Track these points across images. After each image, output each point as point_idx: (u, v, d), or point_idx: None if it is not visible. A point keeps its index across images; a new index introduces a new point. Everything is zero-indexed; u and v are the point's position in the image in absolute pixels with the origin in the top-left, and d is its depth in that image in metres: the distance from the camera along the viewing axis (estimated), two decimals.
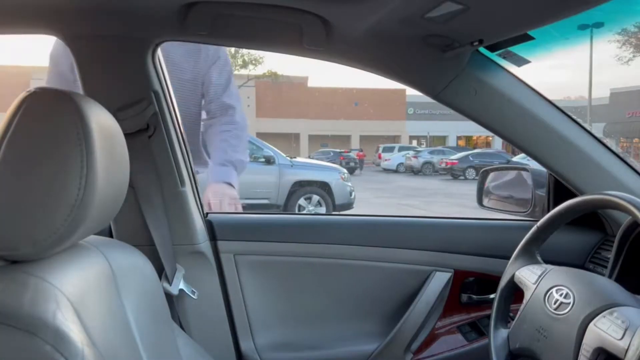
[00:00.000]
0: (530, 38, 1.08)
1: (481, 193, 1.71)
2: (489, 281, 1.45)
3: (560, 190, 1.40)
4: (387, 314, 1.47)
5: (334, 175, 8.44)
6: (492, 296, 1.40)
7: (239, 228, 1.47)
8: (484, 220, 1.60)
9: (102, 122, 0.74)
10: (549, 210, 1.22)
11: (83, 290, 0.73)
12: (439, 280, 1.44)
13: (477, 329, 1.48)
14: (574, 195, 1.11)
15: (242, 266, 1.41)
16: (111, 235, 1.35)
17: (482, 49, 1.21)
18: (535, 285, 1.02)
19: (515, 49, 1.15)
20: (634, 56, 24.45)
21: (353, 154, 25.13)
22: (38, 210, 0.68)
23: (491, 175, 1.76)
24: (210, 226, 1.42)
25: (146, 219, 1.28)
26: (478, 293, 1.49)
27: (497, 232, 1.54)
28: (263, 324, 1.40)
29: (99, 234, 0.90)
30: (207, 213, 1.48)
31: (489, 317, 1.18)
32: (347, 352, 1.43)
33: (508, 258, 1.12)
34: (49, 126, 0.69)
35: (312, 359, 1.39)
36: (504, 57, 1.21)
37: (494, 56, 1.22)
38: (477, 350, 1.40)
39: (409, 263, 1.46)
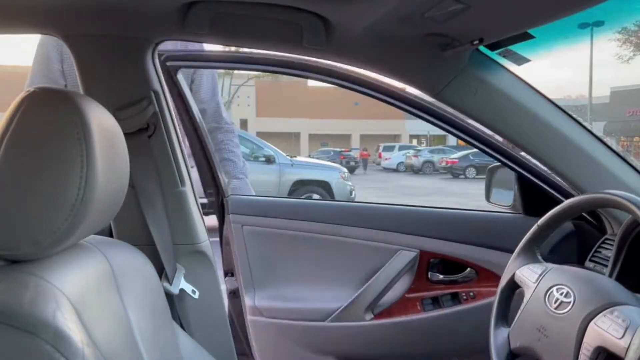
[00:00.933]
0: (530, 37, 1.08)
1: (489, 190, 1.74)
2: (453, 263, 1.64)
3: (525, 185, 1.54)
4: (359, 281, 1.68)
5: (334, 175, 8.44)
6: (455, 277, 1.64)
7: (250, 205, 1.74)
8: (454, 210, 1.78)
9: (102, 121, 0.74)
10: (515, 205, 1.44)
11: (83, 290, 0.73)
12: (404, 257, 1.63)
13: (438, 303, 1.65)
14: (540, 191, 1.20)
15: (248, 235, 1.68)
16: (111, 235, 1.35)
17: (482, 48, 1.21)
18: (535, 284, 1.02)
19: (516, 47, 1.14)
20: (634, 55, 24.45)
21: (353, 154, 25.13)
22: (38, 210, 0.68)
23: (499, 172, 1.79)
24: (222, 205, 1.73)
25: (146, 218, 1.28)
26: (444, 273, 1.67)
27: (465, 220, 1.70)
28: (261, 282, 1.69)
29: (100, 233, 0.90)
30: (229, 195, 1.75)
31: (452, 294, 1.57)
32: (322, 306, 1.67)
33: (469, 244, 1.31)
34: (48, 126, 0.69)
35: (296, 308, 1.67)
36: (504, 56, 1.21)
37: (494, 55, 1.22)
38: (432, 318, 1.61)
39: (380, 242, 1.66)
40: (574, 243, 1.45)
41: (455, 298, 1.61)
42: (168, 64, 1.53)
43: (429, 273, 1.65)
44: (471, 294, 1.51)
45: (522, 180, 1.55)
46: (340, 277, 1.69)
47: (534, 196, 1.50)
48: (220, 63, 1.84)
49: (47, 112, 0.70)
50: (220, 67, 2.03)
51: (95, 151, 0.70)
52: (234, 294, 1.78)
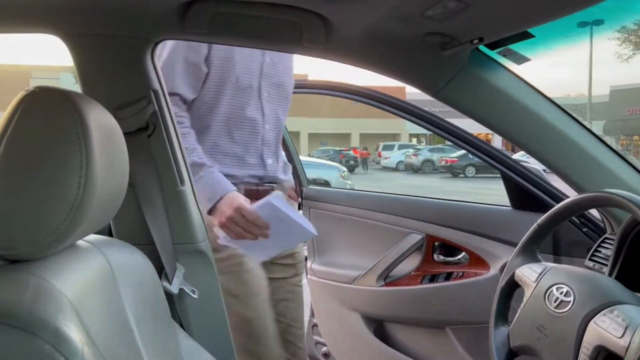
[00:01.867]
0: (530, 36, 1.07)
1: None
2: (451, 247, 1.91)
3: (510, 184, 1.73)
4: (377, 255, 2.00)
5: (334, 174, 8.45)
6: (452, 258, 1.92)
7: (316, 194, 2.23)
8: (455, 201, 2.04)
9: (101, 121, 0.74)
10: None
11: (82, 290, 0.73)
12: (412, 239, 1.93)
13: (434, 280, 1.90)
14: (523, 190, 1.33)
15: (314, 216, 2.18)
16: (111, 234, 1.35)
17: (482, 47, 1.21)
18: (535, 283, 1.02)
19: (516, 47, 1.14)
20: (633, 54, 24.45)
21: (351, 153, 25.08)
22: (37, 209, 0.67)
23: None
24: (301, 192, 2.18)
25: (146, 218, 1.28)
26: (445, 255, 1.94)
27: (468, 211, 1.94)
28: (319, 251, 2.17)
29: (99, 233, 0.90)
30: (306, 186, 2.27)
31: (448, 275, 1.85)
32: (350, 273, 2.04)
33: (466, 231, 1.61)
34: (48, 125, 0.69)
35: (334, 272, 2.09)
36: (504, 55, 1.20)
37: (493, 54, 1.22)
38: (427, 290, 1.88)
39: (395, 225, 1.97)
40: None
41: (449, 276, 1.88)
42: None
43: (434, 255, 1.93)
44: (460, 273, 1.81)
45: (506, 179, 1.73)
46: (366, 251, 2.03)
47: (518, 193, 1.70)
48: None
49: (47, 112, 0.69)
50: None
51: (94, 151, 0.70)
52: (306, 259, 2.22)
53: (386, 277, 1.98)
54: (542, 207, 1.54)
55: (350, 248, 2.11)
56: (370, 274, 1.98)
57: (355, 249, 2.08)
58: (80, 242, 0.84)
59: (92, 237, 0.89)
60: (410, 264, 1.95)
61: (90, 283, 0.77)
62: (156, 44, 1.26)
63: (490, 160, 1.73)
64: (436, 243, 1.93)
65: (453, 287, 1.84)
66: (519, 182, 1.65)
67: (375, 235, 2.02)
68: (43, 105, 0.70)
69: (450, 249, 1.92)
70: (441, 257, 1.94)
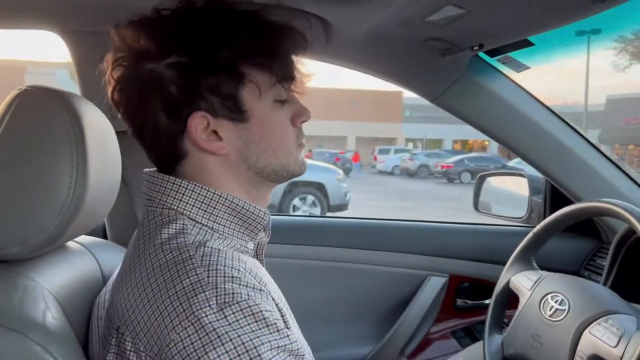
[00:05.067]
0: (530, 44, 1.08)
1: (477, 198, 1.71)
2: (484, 286, 1.47)
3: (556, 196, 1.41)
4: (382, 317, 1.49)
5: (330, 176, 8.43)
6: (487, 302, 1.39)
7: None
8: (480, 225, 1.62)
9: (94, 120, 0.73)
10: (545, 217, 1.23)
11: (71, 291, 0.73)
12: (434, 284, 1.47)
13: (471, 334, 1.49)
14: (570, 202, 1.11)
15: None
16: (105, 235, 1.34)
17: (481, 54, 1.21)
18: (530, 292, 1.02)
19: (515, 54, 1.15)
20: (630, 63, 24.60)
21: (349, 156, 25.02)
22: (28, 209, 0.67)
23: (488, 180, 1.76)
24: None
25: (139, 218, 1.27)
26: (473, 298, 1.50)
27: (492, 238, 1.56)
28: None
29: (93, 233, 0.89)
30: None
31: (483, 322, 1.19)
32: (341, 355, 1.45)
33: (503, 264, 1.12)
34: (40, 125, 0.68)
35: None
36: (504, 63, 1.21)
37: (493, 61, 1.22)
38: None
39: (404, 267, 1.48)
40: (569, 251, 1.45)
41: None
42: None
43: (456, 299, 1.50)
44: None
45: (554, 193, 1.43)
46: (355, 311, 1.49)
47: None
48: None
49: (39, 111, 0.69)
50: None
51: (86, 151, 0.69)
52: None
53: (405, 349, 1.43)
54: (593, 230, 1.40)
55: (326, 312, 1.49)
56: (384, 349, 1.44)
57: (337, 312, 1.49)
58: (71, 244, 0.84)
59: (84, 238, 0.88)
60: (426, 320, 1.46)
61: (79, 285, 0.77)
62: None
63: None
64: (463, 284, 1.50)
65: None
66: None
67: (361, 286, 1.48)
68: (35, 105, 0.69)
69: (480, 290, 1.50)
70: (468, 303, 1.50)
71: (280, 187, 8.04)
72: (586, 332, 0.87)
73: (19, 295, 0.64)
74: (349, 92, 34.22)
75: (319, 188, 8.25)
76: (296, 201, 8.15)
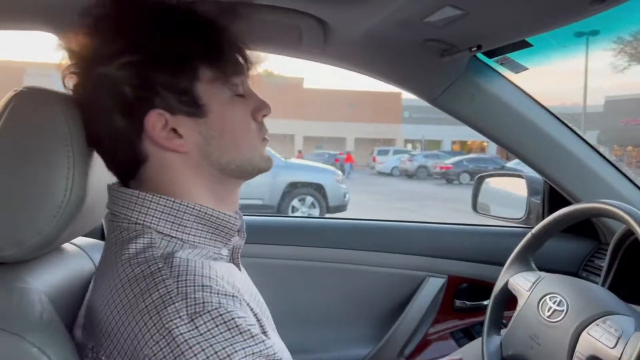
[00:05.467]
0: (528, 45, 1.08)
1: (476, 199, 1.72)
2: (482, 287, 1.47)
3: (555, 197, 1.41)
4: (381, 318, 1.49)
5: (329, 177, 8.43)
6: (485, 302, 1.41)
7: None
8: (479, 226, 1.62)
9: None
10: (543, 218, 1.24)
11: (68, 293, 0.73)
12: (433, 285, 1.47)
13: (470, 335, 1.49)
14: (569, 203, 1.11)
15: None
16: (103, 236, 1.33)
17: (480, 55, 1.21)
18: (529, 293, 1.02)
19: (513, 55, 1.15)
20: (629, 64, 24.63)
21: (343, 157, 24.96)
22: (24, 211, 0.66)
23: (486, 181, 1.76)
24: None
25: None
26: (471, 299, 1.50)
27: (492, 239, 1.56)
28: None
29: (91, 235, 0.89)
30: None
31: (481, 323, 1.18)
32: (339, 356, 1.45)
33: (502, 265, 1.13)
34: (36, 126, 0.67)
35: None
36: (502, 64, 1.21)
37: (491, 62, 1.22)
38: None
39: (403, 268, 1.48)
40: (567, 252, 1.45)
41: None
42: None
43: (454, 300, 1.50)
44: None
45: (552, 194, 1.43)
46: (353, 312, 1.48)
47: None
48: None
49: (35, 112, 0.68)
50: None
51: (83, 152, 0.68)
52: None
53: (404, 350, 1.42)
54: (591, 231, 1.41)
55: (317, 315, 1.48)
56: (383, 350, 1.44)
57: (333, 314, 1.49)
58: (67, 245, 0.83)
59: (81, 240, 0.88)
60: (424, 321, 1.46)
61: (75, 286, 0.76)
62: None
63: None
64: (462, 285, 1.49)
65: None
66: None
67: (359, 287, 1.48)
68: (31, 106, 0.69)
69: (479, 290, 1.49)
70: (467, 303, 1.50)
71: (280, 188, 8.04)
72: (584, 333, 0.87)
73: (16, 297, 0.63)
74: (347, 93, 34.23)
75: (318, 189, 8.25)
76: (295, 202, 8.15)
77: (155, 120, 0.67)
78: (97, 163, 0.73)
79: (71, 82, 0.70)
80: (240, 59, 0.73)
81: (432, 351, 1.47)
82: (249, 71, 0.74)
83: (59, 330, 0.64)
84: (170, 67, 0.67)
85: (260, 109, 0.75)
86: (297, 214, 7.97)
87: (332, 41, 1.13)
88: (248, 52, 0.74)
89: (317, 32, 1.10)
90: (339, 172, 8.94)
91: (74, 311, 0.73)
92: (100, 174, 0.75)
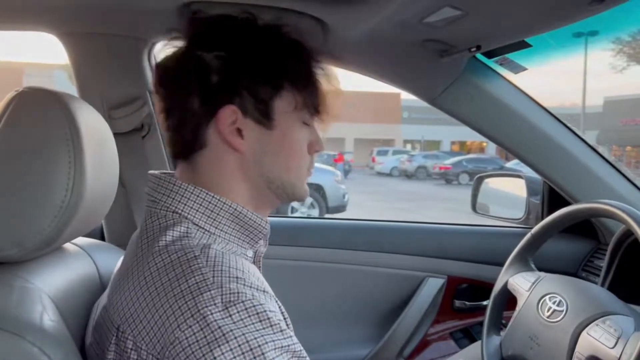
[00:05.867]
0: (527, 45, 1.08)
1: (475, 199, 1.72)
2: (482, 288, 1.47)
3: (554, 198, 1.41)
4: (380, 319, 1.49)
5: (328, 178, 8.42)
6: (485, 303, 1.42)
7: None
8: (478, 226, 1.61)
9: (91, 122, 0.73)
10: (543, 218, 1.25)
11: (68, 293, 0.73)
12: (432, 286, 1.47)
13: (470, 336, 1.49)
14: (568, 204, 1.11)
15: None
16: (103, 237, 1.34)
17: (479, 55, 1.22)
18: (528, 293, 1.02)
19: (512, 55, 1.15)
20: (628, 65, 24.68)
21: (347, 157, 24.96)
22: (24, 211, 0.66)
23: (485, 182, 1.76)
24: None
25: (136, 220, 1.27)
26: (471, 299, 1.50)
27: (491, 239, 1.55)
28: None
29: (91, 235, 0.89)
30: None
31: (481, 323, 1.18)
32: (339, 356, 1.45)
33: (502, 265, 1.13)
34: (36, 126, 0.68)
35: None
36: (501, 64, 1.21)
37: (491, 63, 1.22)
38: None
39: (402, 268, 1.48)
40: (567, 252, 1.45)
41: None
42: None
43: (454, 301, 1.50)
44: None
45: (551, 194, 1.43)
46: (353, 313, 1.48)
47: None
48: None
49: (36, 113, 0.68)
50: None
51: (83, 152, 0.69)
52: None
53: (404, 350, 1.42)
54: (591, 231, 1.42)
55: (321, 313, 1.48)
56: (382, 351, 1.43)
57: (331, 313, 1.48)
58: (68, 245, 0.83)
59: (82, 240, 0.88)
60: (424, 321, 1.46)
61: (76, 286, 0.77)
62: (153, 44, 1.26)
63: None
64: (461, 285, 1.49)
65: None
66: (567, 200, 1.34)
67: (359, 287, 1.48)
68: (32, 106, 0.69)
69: (478, 291, 1.49)
70: (466, 304, 1.49)
71: None
72: (584, 333, 0.87)
73: (16, 297, 0.63)
74: (347, 93, 33.96)
75: (317, 189, 8.24)
76: (294, 202, 8.13)
77: (228, 115, 0.70)
78: (98, 163, 0.73)
79: (166, 52, 0.74)
80: (321, 97, 0.77)
81: (432, 351, 1.47)
82: (322, 114, 0.78)
83: (59, 330, 0.64)
84: (260, 76, 0.71)
85: (316, 143, 0.79)
86: (296, 214, 7.97)
87: (331, 42, 1.13)
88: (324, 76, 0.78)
89: (316, 32, 1.10)
90: (338, 173, 8.94)
91: (75, 311, 0.73)
92: (100, 174, 0.75)
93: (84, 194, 0.69)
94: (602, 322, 0.86)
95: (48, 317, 0.63)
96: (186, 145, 0.73)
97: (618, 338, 0.82)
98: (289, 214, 7.79)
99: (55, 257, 0.77)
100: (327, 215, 7.83)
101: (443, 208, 11.40)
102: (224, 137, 0.70)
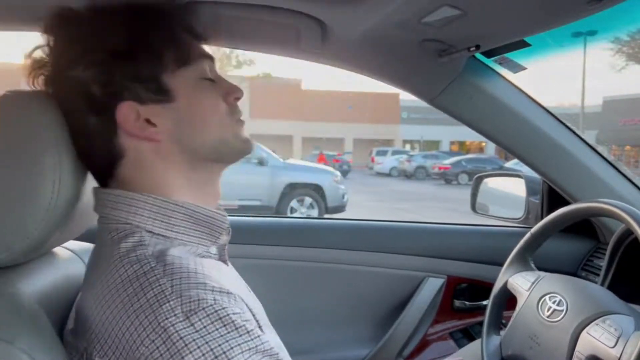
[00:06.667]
0: (526, 45, 1.08)
1: (475, 199, 1.72)
2: (481, 288, 1.47)
3: (553, 197, 1.41)
4: (379, 319, 1.49)
5: (327, 178, 8.42)
6: (485, 302, 1.41)
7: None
8: (478, 226, 1.62)
9: None
10: (542, 218, 1.25)
11: (58, 298, 0.72)
12: (432, 286, 1.47)
13: (469, 336, 1.49)
14: (567, 203, 1.11)
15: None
16: None
17: (478, 55, 1.21)
18: (528, 292, 1.02)
19: (512, 55, 1.15)
20: (626, 64, 24.70)
21: (346, 157, 24.97)
22: (11, 215, 0.65)
23: (485, 182, 1.76)
24: None
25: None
26: (471, 299, 1.50)
27: (490, 239, 1.55)
28: None
29: (85, 238, 0.88)
30: None
31: (481, 323, 1.18)
32: (339, 356, 1.45)
33: (501, 265, 1.12)
34: (23, 128, 0.67)
35: None
36: (500, 63, 1.21)
37: (490, 62, 1.22)
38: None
39: (401, 268, 1.48)
40: (566, 251, 1.45)
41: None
42: None
43: (454, 300, 1.50)
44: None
45: (551, 194, 1.43)
46: (352, 313, 1.48)
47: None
48: None
49: (21, 115, 0.67)
50: None
51: (70, 155, 0.68)
52: None
53: (403, 351, 1.42)
54: (590, 231, 1.41)
55: (315, 316, 1.47)
56: (382, 351, 1.43)
57: (329, 314, 1.48)
58: (59, 249, 0.83)
59: (74, 244, 0.87)
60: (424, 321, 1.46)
61: (66, 291, 0.76)
62: None
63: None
64: (461, 285, 1.49)
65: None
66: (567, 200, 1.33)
67: (358, 288, 1.47)
68: (18, 108, 0.68)
69: (478, 291, 1.49)
70: (466, 304, 1.49)
71: (278, 189, 8.03)
72: (584, 332, 0.87)
73: (5, 302, 0.63)
74: (346, 94, 34.23)
75: (317, 190, 8.24)
76: (294, 203, 8.14)
77: (127, 112, 0.67)
78: (85, 166, 0.73)
79: (39, 81, 0.71)
80: (200, 45, 0.74)
81: (432, 351, 1.46)
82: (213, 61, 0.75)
83: (49, 336, 0.63)
84: (133, 59, 0.68)
85: (231, 91, 0.75)
86: (295, 214, 7.97)
87: (330, 42, 1.13)
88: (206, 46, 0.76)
89: (315, 32, 1.10)
90: (338, 173, 8.94)
91: (65, 316, 0.72)
92: (89, 177, 0.74)
93: (71, 197, 0.68)
94: (602, 321, 0.86)
95: (37, 322, 0.62)
96: (105, 164, 0.70)
97: (618, 337, 0.82)
98: (289, 214, 7.79)
99: (46, 262, 0.76)
100: (326, 216, 7.83)
101: (442, 208, 11.40)
102: (136, 134, 0.68)
